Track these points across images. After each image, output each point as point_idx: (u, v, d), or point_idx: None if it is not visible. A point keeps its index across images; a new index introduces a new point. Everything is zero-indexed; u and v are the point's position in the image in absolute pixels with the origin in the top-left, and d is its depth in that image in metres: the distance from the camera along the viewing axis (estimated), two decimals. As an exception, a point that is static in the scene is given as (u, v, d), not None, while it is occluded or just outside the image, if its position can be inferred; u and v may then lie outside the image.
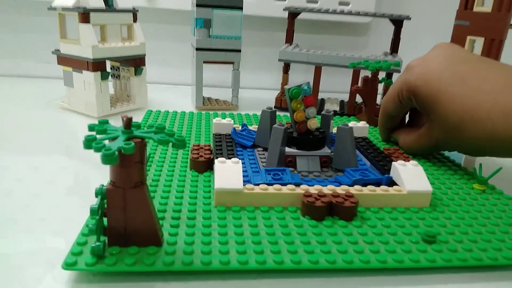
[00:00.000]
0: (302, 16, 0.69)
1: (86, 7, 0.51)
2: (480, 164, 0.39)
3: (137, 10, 0.58)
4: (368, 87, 0.56)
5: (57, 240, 0.27)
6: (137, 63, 0.58)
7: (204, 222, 0.29)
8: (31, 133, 0.49)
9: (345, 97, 0.68)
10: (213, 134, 0.46)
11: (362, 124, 0.48)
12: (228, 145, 0.42)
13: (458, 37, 0.57)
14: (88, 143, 0.22)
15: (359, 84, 0.57)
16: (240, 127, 0.47)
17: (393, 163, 0.36)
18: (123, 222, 0.25)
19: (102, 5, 0.53)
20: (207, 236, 0.27)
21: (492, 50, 0.52)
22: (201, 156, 0.39)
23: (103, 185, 0.25)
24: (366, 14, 0.65)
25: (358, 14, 0.65)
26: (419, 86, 0.41)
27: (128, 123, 0.24)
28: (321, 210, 0.31)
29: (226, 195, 0.32)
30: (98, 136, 0.23)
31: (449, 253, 0.27)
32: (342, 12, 0.66)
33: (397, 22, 0.66)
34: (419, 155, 0.45)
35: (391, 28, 0.68)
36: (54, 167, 0.40)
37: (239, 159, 0.41)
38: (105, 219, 0.25)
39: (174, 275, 0.25)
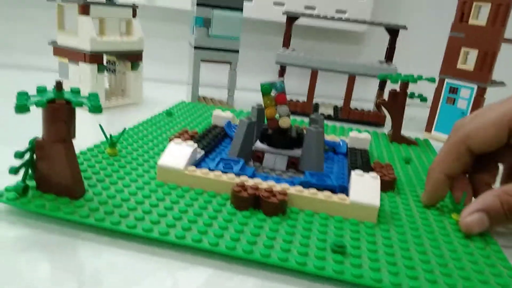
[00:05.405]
0: (299, 22, 0.69)
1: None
2: (464, 193, 0.34)
3: (137, 6, 0.58)
4: (395, 101, 0.53)
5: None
6: (134, 58, 0.58)
7: (131, 190, 0.32)
8: (23, 124, 0.45)
9: (339, 103, 0.70)
10: (211, 125, 0.48)
11: (364, 135, 0.46)
12: (215, 135, 0.44)
13: (452, 48, 0.58)
14: (18, 96, 0.27)
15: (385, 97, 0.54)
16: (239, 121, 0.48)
17: (351, 171, 0.34)
18: (46, 171, 0.29)
19: None
20: (125, 202, 0.30)
21: (486, 62, 0.53)
22: (179, 138, 0.41)
23: (36, 137, 0.29)
24: (364, 22, 0.65)
25: (356, 21, 0.64)
26: None
27: (59, 86, 0.28)
28: (244, 200, 0.31)
29: (167, 173, 0.34)
30: (30, 94, 0.28)
31: (346, 267, 0.25)
32: (340, 19, 0.65)
33: (393, 31, 0.66)
34: None
35: (384, 38, 0.67)
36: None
37: (221, 149, 0.43)
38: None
39: (90, 229, 0.27)
